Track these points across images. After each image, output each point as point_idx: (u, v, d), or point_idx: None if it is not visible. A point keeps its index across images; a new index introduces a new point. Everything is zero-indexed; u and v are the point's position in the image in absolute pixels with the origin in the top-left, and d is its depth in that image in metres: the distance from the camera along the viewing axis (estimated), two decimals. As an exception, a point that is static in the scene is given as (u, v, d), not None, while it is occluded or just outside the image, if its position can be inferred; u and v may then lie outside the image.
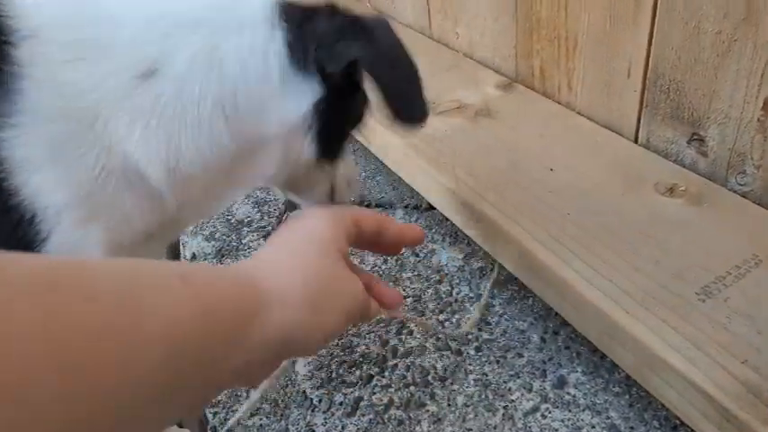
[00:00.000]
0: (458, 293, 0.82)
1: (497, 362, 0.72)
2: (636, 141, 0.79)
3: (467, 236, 0.81)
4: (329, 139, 0.51)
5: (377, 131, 0.91)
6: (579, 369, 0.70)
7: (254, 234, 0.97)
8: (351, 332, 0.80)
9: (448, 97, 0.95)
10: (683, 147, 0.73)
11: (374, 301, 0.50)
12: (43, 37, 0.41)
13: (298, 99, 0.47)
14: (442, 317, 0.80)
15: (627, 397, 0.66)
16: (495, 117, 0.89)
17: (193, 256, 0.97)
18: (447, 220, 0.91)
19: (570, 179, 0.75)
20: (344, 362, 0.76)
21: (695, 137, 0.71)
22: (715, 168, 0.70)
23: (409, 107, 0.50)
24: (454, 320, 0.79)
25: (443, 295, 0.82)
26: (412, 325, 0.79)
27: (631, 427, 0.63)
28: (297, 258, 0.42)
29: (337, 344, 0.78)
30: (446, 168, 0.80)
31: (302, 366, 0.76)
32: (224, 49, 0.45)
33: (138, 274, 0.30)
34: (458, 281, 0.84)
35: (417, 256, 0.90)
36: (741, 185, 0.68)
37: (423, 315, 0.80)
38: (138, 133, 0.43)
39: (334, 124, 0.51)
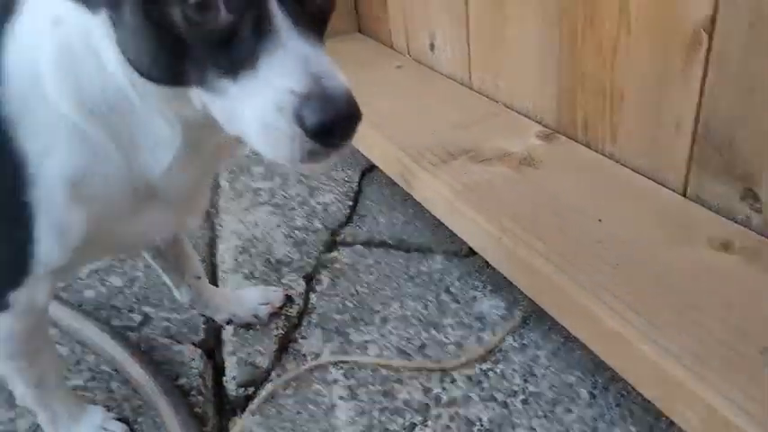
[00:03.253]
0: (501, 342, 0.81)
1: (545, 416, 0.70)
2: (684, 195, 0.79)
3: (510, 283, 0.80)
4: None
5: (419, 177, 0.92)
6: (633, 429, 0.68)
7: (294, 274, 0.97)
8: (392, 378, 0.78)
9: (489, 146, 0.96)
10: (735, 202, 0.72)
11: None
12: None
13: None
14: (485, 366, 0.78)
15: (683, 459, 0.64)
16: (538, 166, 0.90)
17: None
18: (488, 266, 0.90)
19: (618, 230, 0.74)
20: (386, 408, 0.74)
21: (749, 193, 0.70)
22: (769, 225, 0.69)
23: None
24: (498, 371, 0.77)
25: (486, 344, 0.81)
26: (455, 373, 0.77)
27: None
28: None
29: (378, 390, 0.77)
30: (491, 216, 0.80)
31: (343, 412, 0.75)
32: None
33: None
34: (501, 330, 0.83)
35: (458, 302, 0.89)
36: (797, 243, 0.67)
37: (465, 364, 0.79)
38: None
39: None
